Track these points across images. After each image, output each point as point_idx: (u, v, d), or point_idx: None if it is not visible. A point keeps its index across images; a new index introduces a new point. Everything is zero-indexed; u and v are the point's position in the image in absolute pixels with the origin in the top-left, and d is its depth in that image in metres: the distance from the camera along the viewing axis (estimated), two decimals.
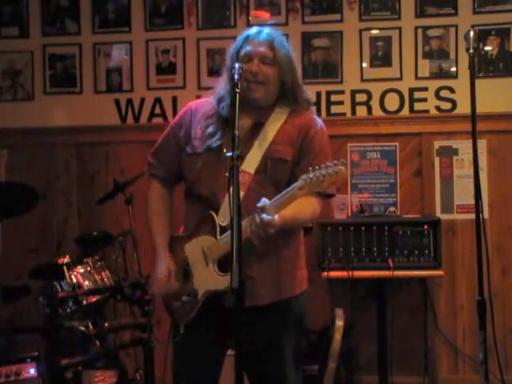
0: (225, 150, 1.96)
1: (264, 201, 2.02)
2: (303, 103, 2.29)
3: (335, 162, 2.00)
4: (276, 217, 2.02)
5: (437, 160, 4.09)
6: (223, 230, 2.15)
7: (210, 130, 2.23)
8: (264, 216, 1.99)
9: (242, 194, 2.08)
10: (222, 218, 2.15)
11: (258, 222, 2.00)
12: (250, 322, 2.12)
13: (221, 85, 2.28)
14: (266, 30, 2.24)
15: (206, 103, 2.32)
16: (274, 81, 2.21)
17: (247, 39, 2.22)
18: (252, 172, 2.17)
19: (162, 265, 2.27)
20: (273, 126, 2.23)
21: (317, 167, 2.02)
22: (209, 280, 2.16)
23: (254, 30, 2.25)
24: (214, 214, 2.17)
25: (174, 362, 2.34)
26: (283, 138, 2.22)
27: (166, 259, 2.28)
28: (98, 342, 3.29)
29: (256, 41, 2.21)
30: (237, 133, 1.91)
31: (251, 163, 2.16)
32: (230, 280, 2.02)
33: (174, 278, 2.26)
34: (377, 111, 4.13)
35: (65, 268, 3.36)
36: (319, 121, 2.31)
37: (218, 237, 2.15)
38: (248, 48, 2.20)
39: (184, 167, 2.29)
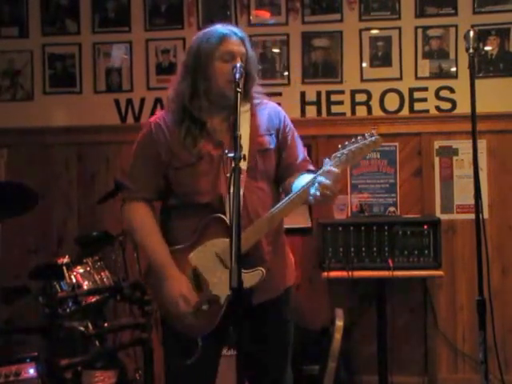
0: (226, 151, 1.96)
1: (327, 161, 2.05)
2: (256, 94, 2.34)
3: (365, 134, 2.04)
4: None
5: (437, 160, 4.09)
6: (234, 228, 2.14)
7: (189, 137, 2.21)
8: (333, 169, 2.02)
9: (242, 191, 2.09)
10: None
11: (327, 176, 2.02)
12: (258, 315, 2.19)
13: (183, 84, 2.24)
14: (234, 29, 2.27)
15: (168, 114, 2.29)
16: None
17: (224, 38, 2.21)
18: (244, 168, 2.16)
19: (179, 282, 2.18)
20: (243, 122, 2.21)
21: (347, 142, 2.05)
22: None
23: (224, 29, 2.25)
24: (222, 216, 2.15)
25: (168, 364, 2.31)
26: (259, 129, 2.27)
27: (181, 276, 2.19)
28: (97, 342, 3.28)
29: (234, 40, 2.22)
30: (238, 133, 1.92)
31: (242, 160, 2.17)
32: (257, 275, 2.11)
33: (193, 291, 2.18)
34: (377, 111, 4.13)
35: (64, 268, 3.36)
36: (277, 105, 2.42)
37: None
38: (230, 47, 2.20)
39: (174, 182, 2.25)
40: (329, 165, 2.04)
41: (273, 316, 2.27)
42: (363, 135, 2.05)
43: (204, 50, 2.21)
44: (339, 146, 2.07)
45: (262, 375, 2.32)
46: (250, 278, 2.09)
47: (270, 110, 2.33)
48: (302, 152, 2.34)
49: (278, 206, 2.15)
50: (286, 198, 2.16)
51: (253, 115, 2.29)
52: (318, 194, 2.02)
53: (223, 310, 2.17)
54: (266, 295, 2.20)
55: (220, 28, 2.25)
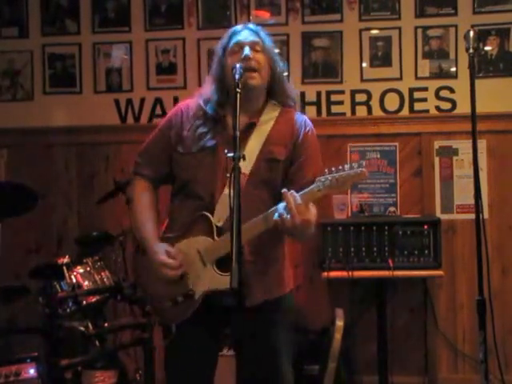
0: (226, 151, 1.96)
1: (292, 192, 2.01)
2: (291, 98, 2.31)
3: (353, 164, 2.01)
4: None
5: (437, 160, 4.09)
6: (220, 230, 2.14)
7: (201, 130, 2.23)
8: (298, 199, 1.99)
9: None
10: (218, 219, 2.14)
11: (294, 203, 1.98)
12: (243, 321, 2.14)
13: (207, 86, 2.29)
14: (250, 25, 2.28)
15: (194, 104, 2.32)
16: (266, 68, 2.23)
17: (234, 33, 2.24)
18: (247, 173, 2.16)
19: (161, 251, 2.18)
20: (266, 126, 2.24)
21: (334, 169, 2.02)
22: (208, 280, 2.14)
23: (237, 26, 2.28)
24: (209, 215, 2.15)
25: (166, 365, 2.32)
26: (276, 138, 2.23)
27: (162, 246, 2.20)
28: (97, 342, 3.29)
29: (244, 32, 2.24)
30: (238, 133, 1.91)
31: (246, 164, 2.12)
32: (228, 280, 2.05)
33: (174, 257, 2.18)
34: (377, 111, 4.13)
35: (64, 268, 3.36)
36: (309, 121, 2.34)
37: (216, 238, 2.14)
38: (238, 38, 2.22)
39: (177, 166, 2.28)
40: (299, 195, 2.01)
41: (257, 320, 2.22)
42: (351, 165, 2.00)
43: (217, 50, 2.26)
44: (326, 170, 2.04)
45: (248, 377, 2.30)
46: (223, 280, 2.06)
47: (295, 122, 2.28)
48: (313, 173, 2.19)
49: (260, 216, 2.11)
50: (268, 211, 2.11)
51: (277, 122, 2.25)
52: (278, 222, 2.02)
53: (197, 305, 2.16)
54: (246, 301, 2.14)
55: (234, 27, 2.28)
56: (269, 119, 2.25)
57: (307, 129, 2.29)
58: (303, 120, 2.31)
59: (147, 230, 2.27)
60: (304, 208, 2.00)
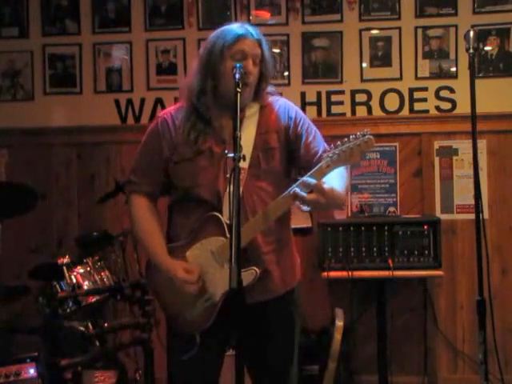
0: (226, 151, 1.97)
1: (303, 179, 2.03)
2: (269, 95, 2.32)
3: (359, 133, 2.00)
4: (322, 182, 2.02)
5: (437, 160, 4.09)
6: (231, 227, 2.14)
7: (193, 133, 2.22)
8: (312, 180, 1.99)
9: (240, 190, 2.08)
10: (228, 217, 2.11)
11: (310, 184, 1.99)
12: (260, 315, 2.19)
13: (194, 79, 2.24)
14: (251, 29, 2.24)
15: (179, 109, 2.30)
16: (255, 80, 2.23)
17: (239, 38, 2.19)
18: (246, 167, 2.16)
19: (175, 269, 2.17)
20: (253, 119, 2.25)
21: (339, 142, 2.03)
22: (225, 280, 2.05)
23: (241, 28, 2.22)
24: (218, 215, 2.15)
25: (180, 374, 2.30)
26: (266, 127, 2.25)
27: (175, 263, 2.19)
28: (97, 343, 3.29)
29: (249, 40, 2.20)
30: (238, 134, 1.92)
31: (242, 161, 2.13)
32: (250, 275, 2.09)
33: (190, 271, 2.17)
34: (377, 111, 4.13)
35: (64, 268, 3.36)
36: (288, 102, 2.34)
37: (228, 235, 2.11)
38: (243, 47, 2.19)
39: (174, 176, 2.26)
40: (307, 175, 2.03)
41: (274, 315, 2.25)
42: (355, 135, 2.02)
43: (217, 48, 2.20)
44: (332, 145, 2.04)
45: (262, 373, 2.31)
46: (243, 277, 2.06)
47: (279, 108, 2.29)
48: (320, 145, 2.25)
49: (271, 203, 2.14)
50: (279, 197, 2.13)
51: (261, 115, 2.27)
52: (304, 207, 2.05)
53: (218, 307, 2.16)
54: (263, 295, 2.18)
55: (237, 28, 2.22)
56: (254, 112, 2.26)
57: (293, 108, 2.30)
58: (285, 102, 2.32)
59: (156, 244, 2.25)
60: (321, 187, 1.99)
